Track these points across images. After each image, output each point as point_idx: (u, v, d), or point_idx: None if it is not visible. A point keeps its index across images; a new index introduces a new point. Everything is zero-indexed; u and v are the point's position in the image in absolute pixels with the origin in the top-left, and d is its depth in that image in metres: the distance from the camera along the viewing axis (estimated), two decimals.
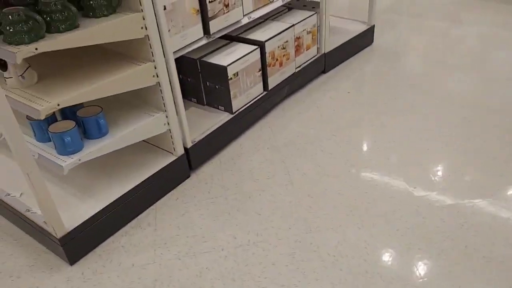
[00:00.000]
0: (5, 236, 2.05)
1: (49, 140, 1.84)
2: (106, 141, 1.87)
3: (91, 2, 1.71)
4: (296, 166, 2.34)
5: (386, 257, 1.76)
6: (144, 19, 1.84)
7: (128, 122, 2.00)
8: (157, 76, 1.98)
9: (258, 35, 2.69)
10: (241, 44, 2.65)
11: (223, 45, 2.64)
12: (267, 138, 2.59)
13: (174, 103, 2.11)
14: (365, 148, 2.43)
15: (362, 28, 3.60)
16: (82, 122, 1.84)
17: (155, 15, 1.86)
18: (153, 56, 1.93)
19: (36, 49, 1.52)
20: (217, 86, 2.50)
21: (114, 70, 1.85)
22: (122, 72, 1.84)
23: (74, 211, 1.90)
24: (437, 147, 2.39)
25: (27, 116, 1.83)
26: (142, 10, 1.81)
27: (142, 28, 1.85)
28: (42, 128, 1.80)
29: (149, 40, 1.89)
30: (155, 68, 1.96)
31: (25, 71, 1.69)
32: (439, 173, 2.20)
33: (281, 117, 2.78)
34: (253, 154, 2.45)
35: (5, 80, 1.70)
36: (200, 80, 2.56)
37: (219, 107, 2.59)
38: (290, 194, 2.15)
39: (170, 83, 2.05)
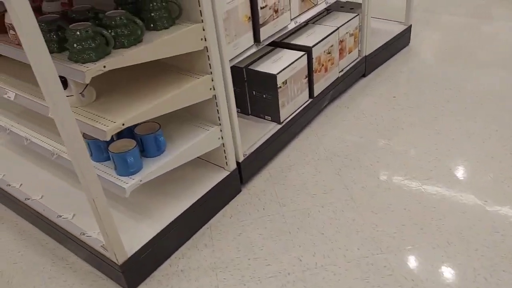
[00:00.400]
0: (57, 260, 1.99)
1: (106, 159, 1.77)
2: (165, 159, 1.81)
3: (152, 14, 1.65)
4: (353, 178, 2.28)
5: (469, 281, 1.70)
6: (204, 30, 1.77)
7: (184, 137, 1.93)
8: (214, 89, 1.92)
9: (303, 40, 2.62)
10: (286, 50, 2.58)
11: (268, 52, 2.57)
12: (316, 148, 2.53)
13: (229, 115, 2.04)
14: (423, 157, 2.37)
15: (399, 28, 3.53)
16: (140, 140, 1.78)
17: (215, 25, 1.79)
18: (210, 68, 1.86)
19: (104, 66, 1.46)
20: (264, 95, 2.43)
21: (173, 85, 1.79)
22: (181, 87, 1.78)
23: (132, 234, 1.84)
24: (502, 154, 2.33)
25: (83, 134, 1.76)
26: (202, 20, 1.75)
27: (201, 39, 1.79)
28: (101, 147, 1.73)
29: (207, 51, 1.82)
30: (212, 80, 1.89)
31: (84, 89, 1.63)
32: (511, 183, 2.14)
33: (326, 125, 2.72)
34: (303, 166, 2.39)
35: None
36: (245, 89, 2.50)
37: (266, 117, 2.53)
38: (352, 210, 2.08)
39: (226, 95, 1.98)
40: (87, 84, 1.64)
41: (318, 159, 2.44)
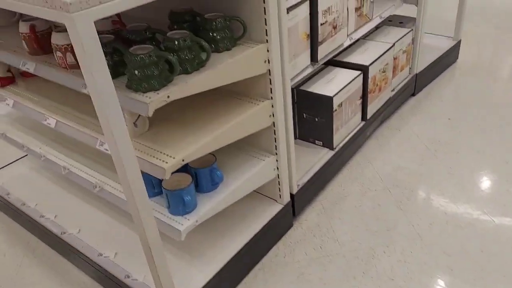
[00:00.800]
0: None
1: (156, 195, 1.61)
2: (220, 195, 1.64)
3: (215, 34, 1.48)
4: (417, 213, 2.09)
5: None
6: (268, 51, 1.60)
7: (238, 169, 1.77)
8: (273, 116, 1.75)
9: (357, 57, 2.45)
10: (339, 68, 2.41)
11: (319, 71, 2.41)
12: (371, 177, 2.35)
13: (286, 144, 1.87)
14: (493, 188, 2.18)
15: (448, 43, 3.36)
16: (195, 174, 1.61)
17: (280, 46, 1.62)
18: (271, 92, 1.69)
19: (168, 96, 1.29)
20: (317, 119, 2.26)
21: (231, 112, 1.63)
22: (241, 114, 1.62)
23: (182, 279, 1.66)
24: None
25: None
26: (267, 40, 1.58)
27: (265, 61, 1.62)
28: (152, 182, 1.56)
29: (269, 74, 1.65)
30: (272, 106, 1.72)
31: (138, 118, 1.46)
32: None
33: (378, 150, 2.54)
34: (360, 198, 2.21)
35: None
36: (295, 111, 2.33)
37: (316, 141, 2.35)
38: (421, 251, 1.90)
39: (285, 123, 1.81)
40: None
41: (375, 190, 2.25)
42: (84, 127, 1.57)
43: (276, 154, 1.86)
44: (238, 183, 1.70)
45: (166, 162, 1.38)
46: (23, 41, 1.55)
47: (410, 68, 2.94)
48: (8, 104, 1.76)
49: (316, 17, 1.95)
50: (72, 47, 1.35)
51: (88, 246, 1.86)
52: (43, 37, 1.53)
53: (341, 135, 2.35)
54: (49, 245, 2.08)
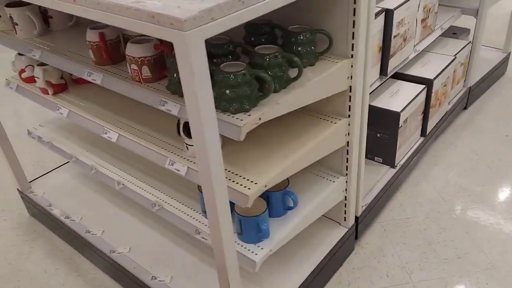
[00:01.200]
0: None
1: None
2: (293, 221, 1.53)
3: (300, 49, 1.38)
4: (488, 239, 1.97)
5: None
6: (352, 66, 1.49)
7: (309, 191, 1.66)
8: (348, 135, 1.63)
9: (418, 70, 2.34)
10: (400, 81, 2.29)
11: (380, 84, 2.28)
12: (432, 197, 2.23)
13: (358, 165, 1.76)
14: None
15: (498, 56, 3.24)
16: (267, 198, 1.50)
17: (365, 61, 1.51)
18: (349, 110, 1.58)
19: (260, 118, 1.18)
20: (379, 134, 2.14)
21: (308, 131, 1.52)
22: (320, 134, 1.50)
23: None
24: None
25: (198, 186, 1.49)
26: (352, 55, 1.46)
27: (348, 78, 1.51)
28: None
29: (350, 91, 1.54)
30: (349, 124, 1.61)
31: None
32: None
33: (436, 167, 2.42)
34: (423, 220, 2.09)
35: (187, 147, 1.36)
36: None
37: (375, 158, 2.23)
38: (497, 282, 1.79)
39: (360, 142, 1.70)
40: None
41: (438, 212, 2.14)
42: (151, 143, 1.46)
43: (347, 174, 1.74)
44: (310, 207, 1.59)
45: (249, 188, 1.27)
46: (90, 50, 1.44)
47: (464, 81, 2.81)
48: (62, 114, 1.66)
49: (390, 29, 1.83)
50: (149, 60, 1.25)
51: (140, 268, 1.75)
52: (111, 46, 1.42)
53: (402, 152, 2.23)
54: (95, 264, 1.98)
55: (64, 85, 1.78)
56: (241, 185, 1.28)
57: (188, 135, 1.35)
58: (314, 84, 1.35)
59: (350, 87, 1.54)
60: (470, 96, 2.93)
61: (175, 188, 1.67)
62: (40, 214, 2.19)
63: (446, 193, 2.24)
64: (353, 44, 1.45)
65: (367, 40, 1.47)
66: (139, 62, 1.29)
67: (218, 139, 1.04)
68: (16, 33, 1.70)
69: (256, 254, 1.41)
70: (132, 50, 1.29)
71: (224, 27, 0.94)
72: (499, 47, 3.28)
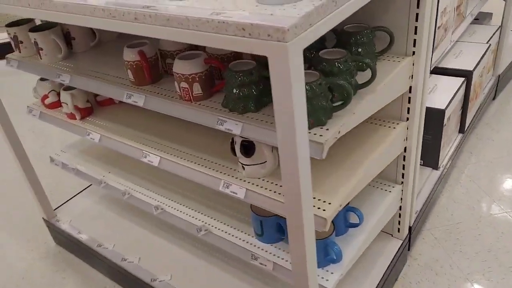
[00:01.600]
0: None
1: (280, 239, 1.43)
2: (359, 238, 1.47)
3: (359, 50, 1.30)
4: None
5: None
6: (413, 64, 1.43)
7: (367, 204, 1.59)
8: (406, 140, 1.58)
9: (453, 61, 2.29)
10: (435, 75, 2.25)
11: None
12: (480, 198, 2.19)
13: (414, 172, 1.70)
14: None
15: None
16: None
17: (426, 58, 1.45)
18: (408, 113, 1.52)
19: (339, 132, 1.11)
20: None
21: (368, 139, 1.45)
22: (382, 142, 1.44)
23: None
24: None
25: (251, 205, 1.42)
26: (413, 52, 1.41)
27: (409, 78, 1.45)
28: (280, 225, 1.38)
29: (410, 92, 1.48)
30: (407, 129, 1.55)
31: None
32: None
33: (477, 165, 2.38)
34: (476, 225, 2.04)
35: (243, 168, 1.29)
36: None
37: None
38: None
39: (417, 147, 1.64)
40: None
41: (491, 214, 2.09)
42: (199, 165, 1.38)
43: (402, 183, 1.68)
44: (373, 221, 1.53)
45: (324, 210, 1.19)
46: (128, 70, 1.35)
47: (493, 69, 2.79)
48: (94, 139, 1.57)
49: (435, 19, 1.78)
50: (200, 76, 1.17)
51: None
52: (151, 65, 1.34)
53: (444, 152, 2.19)
54: None
55: (90, 108, 1.70)
56: (314, 206, 1.21)
57: (246, 154, 1.28)
58: (384, 87, 1.28)
59: (410, 87, 1.48)
60: (499, 85, 2.91)
61: (220, 211, 1.59)
62: (68, 242, 2.10)
63: (494, 193, 2.20)
64: (415, 40, 1.39)
65: (429, 34, 1.41)
66: (190, 80, 1.21)
67: (309, 161, 0.97)
68: (41, 58, 1.61)
69: (327, 280, 1.34)
70: (181, 67, 1.21)
71: (319, 33, 0.86)
72: None
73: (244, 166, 1.29)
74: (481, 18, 2.82)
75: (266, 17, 0.81)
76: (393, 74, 1.31)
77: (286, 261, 1.39)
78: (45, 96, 1.76)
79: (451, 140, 2.24)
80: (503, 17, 2.62)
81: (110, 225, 2.01)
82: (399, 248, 1.78)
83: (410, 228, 1.85)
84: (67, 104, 1.62)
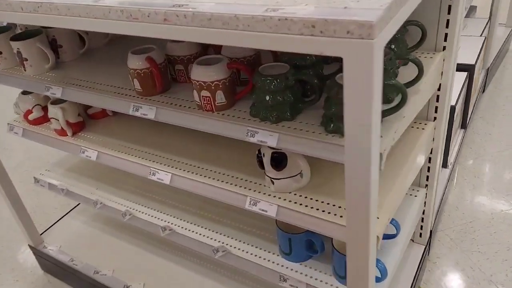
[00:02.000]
0: None
1: (308, 257, 1.29)
2: (396, 249, 1.34)
3: (393, 47, 1.18)
4: None
5: None
6: (444, 60, 1.32)
7: (397, 211, 1.46)
8: (433, 140, 1.47)
9: None
10: None
11: None
12: (488, 194, 2.12)
13: (437, 173, 1.60)
14: None
15: (503, 31, 3.21)
16: None
17: (453, 52, 1.35)
18: (435, 112, 1.41)
19: (393, 139, 0.98)
20: None
21: (398, 142, 1.32)
22: (414, 145, 1.33)
23: None
24: None
25: (276, 221, 1.28)
26: (444, 47, 1.30)
27: (440, 74, 1.33)
28: (312, 242, 1.25)
29: (439, 89, 1.37)
30: (435, 129, 1.45)
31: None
32: None
33: (477, 160, 2.32)
34: (489, 221, 1.97)
35: (272, 182, 1.15)
36: None
37: None
38: None
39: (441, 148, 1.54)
40: None
41: (502, 210, 2.02)
42: (219, 181, 1.23)
43: (426, 186, 1.57)
44: (407, 228, 1.41)
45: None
46: (135, 79, 1.18)
47: (483, 62, 2.74)
48: (90, 157, 1.39)
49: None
50: (224, 83, 1.02)
51: None
52: (161, 72, 1.18)
53: (451, 149, 2.10)
54: None
55: (82, 122, 1.51)
56: None
57: (277, 167, 1.13)
58: (424, 86, 1.16)
59: (440, 84, 1.37)
60: (487, 78, 2.86)
61: (237, 228, 1.45)
62: (57, 270, 1.90)
63: (501, 187, 2.13)
64: (446, 34, 1.28)
65: (459, 28, 1.30)
66: (213, 87, 1.06)
67: (377, 168, 0.83)
68: (25, 70, 1.41)
69: None
70: (202, 74, 1.05)
71: (395, 27, 0.73)
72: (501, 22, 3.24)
73: (273, 180, 1.14)
74: (467, 12, 2.76)
75: (340, 10, 0.67)
76: (430, 70, 1.19)
77: (321, 281, 1.25)
78: (29, 112, 1.57)
79: (456, 137, 2.15)
80: (491, 10, 2.56)
81: (105, 249, 1.84)
82: (422, 254, 1.67)
83: (431, 232, 1.75)
84: (57, 120, 1.43)
